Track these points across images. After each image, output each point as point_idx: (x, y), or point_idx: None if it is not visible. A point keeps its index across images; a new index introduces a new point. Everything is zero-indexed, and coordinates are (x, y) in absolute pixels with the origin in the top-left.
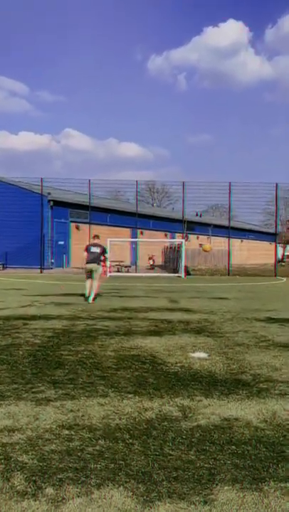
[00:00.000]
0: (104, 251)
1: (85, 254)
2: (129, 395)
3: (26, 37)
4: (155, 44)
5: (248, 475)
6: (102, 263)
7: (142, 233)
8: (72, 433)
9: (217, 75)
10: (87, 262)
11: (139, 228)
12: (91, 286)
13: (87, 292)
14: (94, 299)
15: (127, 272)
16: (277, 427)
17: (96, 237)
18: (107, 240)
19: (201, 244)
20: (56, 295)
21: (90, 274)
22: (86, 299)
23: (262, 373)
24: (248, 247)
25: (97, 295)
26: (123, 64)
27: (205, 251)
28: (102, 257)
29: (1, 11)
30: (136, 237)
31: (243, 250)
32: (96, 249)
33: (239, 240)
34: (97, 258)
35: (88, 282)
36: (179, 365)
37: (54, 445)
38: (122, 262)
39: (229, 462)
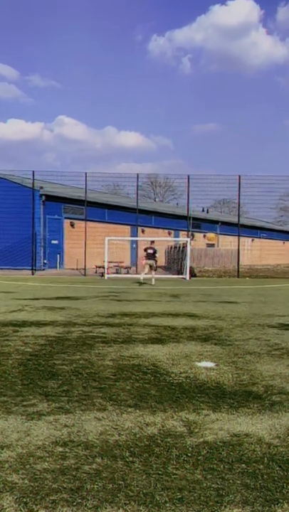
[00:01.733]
0: (155, 251)
1: (145, 253)
2: (129, 409)
3: (14, 15)
4: (157, 23)
5: (259, 496)
6: (155, 259)
7: (143, 231)
8: (67, 450)
9: (225, 57)
10: (147, 259)
11: (140, 226)
12: (152, 275)
13: (142, 278)
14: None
15: (127, 273)
16: None
17: (152, 242)
18: (104, 239)
19: (204, 235)
20: (49, 299)
21: (149, 266)
22: (141, 283)
23: (275, 385)
24: (259, 246)
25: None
26: (121, 45)
27: (209, 241)
28: (156, 256)
29: None
30: (136, 236)
31: (254, 250)
32: (151, 251)
33: (250, 239)
34: (152, 256)
35: (147, 271)
36: (183, 375)
37: (47, 463)
38: (121, 262)
39: (239, 482)
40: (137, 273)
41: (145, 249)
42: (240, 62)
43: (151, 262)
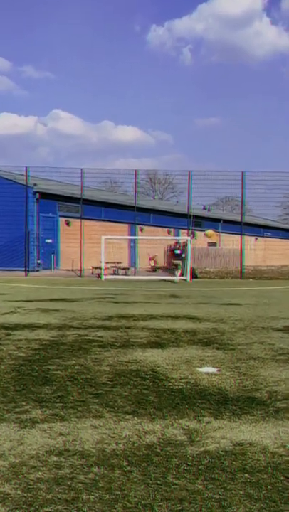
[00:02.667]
0: (182, 252)
1: (172, 253)
2: (127, 416)
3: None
4: (156, 13)
5: (263, 507)
6: (182, 259)
7: (141, 230)
8: (62, 459)
9: (227, 47)
10: (174, 259)
11: (139, 224)
12: (179, 273)
13: (177, 279)
14: (181, 274)
15: (125, 274)
16: None
17: (177, 243)
18: (101, 238)
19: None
20: (43, 301)
21: (176, 266)
22: (173, 281)
23: (280, 391)
24: (263, 245)
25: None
26: (119, 36)
27: (209, 238)
28: (182, 256)
29: None
30: (135, 235)
31: (257, 250)
32: (178, 251)
33: (253, 238)
34: (180, 256)
35: (177, 271)
36: (184, 381)
37: (41, 473)
38: (118, 263)
39: (242, 492)
40: (135, 274)
41: (172, 250)
42: (243, 52)
43: (178, 262)
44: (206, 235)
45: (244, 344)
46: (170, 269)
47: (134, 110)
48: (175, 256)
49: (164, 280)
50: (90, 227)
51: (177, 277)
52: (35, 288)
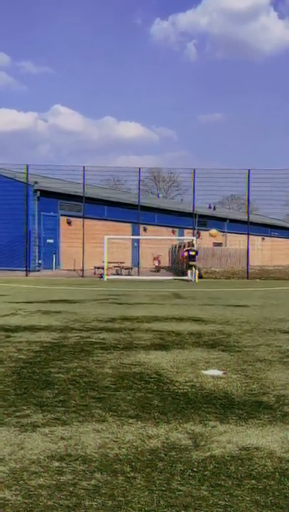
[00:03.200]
0: (197, 253)
1: (186, 254)
2: (131, 420)
3: None
4: (159, 6)
5: None
6: (195, 259)
7: (145, 229)
8: (64, 465)
9: (233, 42)
10: (190, 260)
11: (142, 223)
12: (193, 274)
13: (191, 277)
14: (200, 277)
15: (128, 274)
16: None
17: (192, 245)
18: (104, 238)
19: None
20: (44, 302)
21: (191, 268)
22: (188, 281)
23: (287, 394)
24: (270, 245)
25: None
26: (121, 30)
27: (213, 237)
28: (196, 256)
29: None
30: (138, 234)
31: (264, 249)
32: (192, 253)
33: (260, 238)
34: (194, 257)
35: (190, 272)
36: (188, 384)
37: (42, 479)
38: (121, 263)
39: (248, 499)
40: (138, 274)
41: (187, 251)
42: (249, 48)
43: (194, 263)
44: (210, 234)
45: (251, 346)
46: (175, 270)
47: (136, 106)
48: (190, 257)
49: (178, 280)
50: (92, 226)
51: (195, 279)
52: (36, 289)
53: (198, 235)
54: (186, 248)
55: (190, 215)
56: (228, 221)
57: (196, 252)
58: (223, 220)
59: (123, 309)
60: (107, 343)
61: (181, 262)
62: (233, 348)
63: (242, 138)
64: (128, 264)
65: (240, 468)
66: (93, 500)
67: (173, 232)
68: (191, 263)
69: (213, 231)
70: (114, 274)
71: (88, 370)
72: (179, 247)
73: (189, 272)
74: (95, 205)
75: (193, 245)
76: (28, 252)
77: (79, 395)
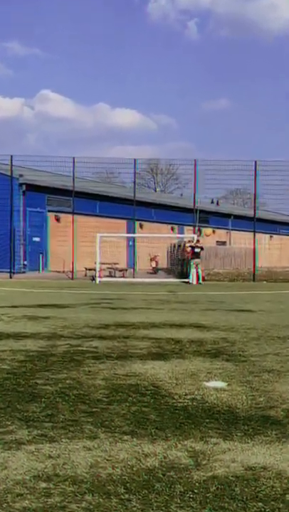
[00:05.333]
0: (202, 249)
1: (191, 251)
2: (125, 437)
3: None
4: None
5: None
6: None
7: (141, 226)
8: (51, 486)
9: (238, 21)
10: (192, 258)
11: (138, 220)
12: (198, 274)
13: (192, 279)
14: (203, 279)
15: (123, 276)
16: None
17: (198, 241)
18: (96, 236)
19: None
20: (30, 306)
21: (196, 266)
22: (189, 284)
23: None
24: (279, 244)
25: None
26: (116, 8)
27: (206, 236)
28: (201, 252)
29: None
30: (133, 232)
31: (272, 249)
32: (198, 250)
33: (268, 236)
34: (199, 254)
35: (194, 271)
36: (189, 397)
37: (27, 501)
38: (115, 264)
39: None
40: (134, 276)
41: (192, 247)
42: (256, 27)
43: (199, 260)
44: (205, 234)
45: (257, 355)
46: (175, 271)
47: (133, 91)
48: (195, 254)
49: (178, 282)
50: (83, 223)
51: (199, 280)
52: (22, 292)
53: (200, 233)
54: (190, 244)
55: (191, 210)
56: (232, 217)
57: (202, 249)
58: (228, 216)
59: (117, 315)
60: (99, 351)
61: (181, 260)
62: (237, 357)
63: (249, 126)
64: (123, 265)
65: (245, 489)
66: None
67: (172, 229)
68: (195, 260)
69: (208, 230)
70: (107, 276)
71: (78, 382)
72: (179, 246)
73: (192, 271)
74: (87, 200)
75: (198, 241)
76: (12, 252)
77: (68, 409)
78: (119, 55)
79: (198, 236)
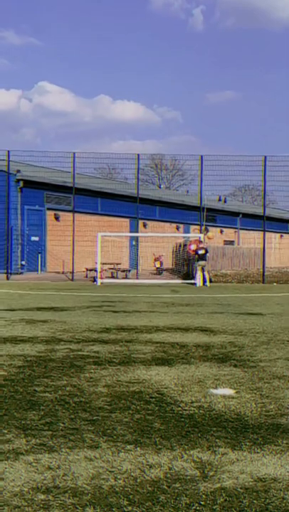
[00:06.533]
0: (206, 251)
1: (195, 255)
2: (128, 447)
3: None
4: None
5: None
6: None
7: (144, 225)
8: (50, 498)
9: (245, 9)
10: (198, 260)
11: (141, 218)
12: (204, 276)
13: (198, 282)
14: (210, 281)
15: (125, 278)
16: None
17: (200, 242)
18: (97, 235)
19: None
20: (28, 309)
21: (201, 268)
22: (195, 285)
23: None
24: None
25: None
26: None
27: (209, 239)
28: (206, 255)
29: None
30: (137, 231)
31: (283, 248)
32: (202, 251)
33: (278, 235)
34: (204, 256)
35: (199, 274)
36: (195, 405)
37: None
38: (117, 264)
39: None
40: (137, 277)
41: (195, 250)
42: (265, 15)
43: (204, 263)
44: (208, 237)
45: (267, 361)
46: (180, 272)
47: (135, 82)
48: (199, 257)
49: (184, 284)
50: (83, 222)
51: (206, 283)
52: (19, 294)
53: (206, 232)
54: (192, 248)
55: (197, 208)
56: (240, 216)
57: (206, 251)
58: (235, 214)
59: (119, 318)
60: (100, 357)
61: (187, 260)
62: (246, 362)
63: (257, 120)
64: (125, 265)
65: (254, 501)
66: None
67: (177, 228)
68: (200, 263)
69: (209, 233)
70: (108, 278)
71: (79, 389)
72: (184, 245)
73: (197, 274)
74: (87, 197)
75: (200, 242)
76: (9, 252)
77: (68, 418)
78: (121, 44)
79: (205, 234)
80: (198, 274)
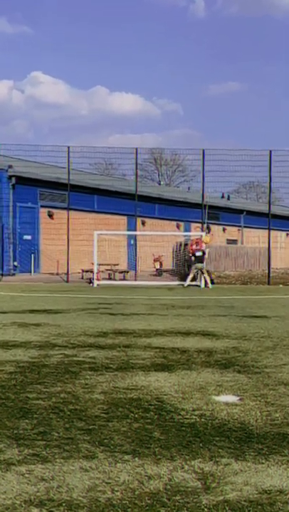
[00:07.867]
0: (204, 253)
1: (193, 258)
2: (126, 457)
3: None
4: None
5: None
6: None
7: (143, 223)
8: (44, 511)
9: None
10: (196, 263)
11: (140, 216)
12: (205, 279)
13: (202, 284)
14: (212, 282)
15: (123, 279)
16: None
17: (197, 243)
18: (93, 234)
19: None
20: (20, 312)
21: (200, 271)
22: (197, 287)
23: None
24: None
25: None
26: None
27: (206, 243)
28: (204, 257)
29: None
30: (135, 229)
31: None
32: (199, 253)
33: (284, 233)
34: (202, 258)
35: (192, 276)
36: (197, 413)
37: None
38: (115, 265)
39: None
40: (135, 278)
41: (192, 252)
42: (269, 3)
43: (201, 265)
44: (205, 242)
45: (272, 366)
46: (180, 273)
47: (134, 73)
48: (197, 259)
49: (184, 285)
50: (79, 220)
51: (208, 285)
52: (11, 296)
53: (209, 230)
54: (194, 248)
55: (199, 206)
56: (244, 213)
57: (204, 253)
58: (239, 212)
59: (117, 321)
60: (97, 362)
61: (187, 260)
62: (250, 368)
63: (262, 112)
64: (123, 266)
65: None
66: None
67: (178, 226)
68: (197, 265)
69: (207, 238)
70: (106, 279)
71: (74, 396)
72: (186, 245)
73: (193, 275)
74: (83, 194)
75: (198, 243)
76: (0, 252)
77: (63, 426)
78: (118, 33)
79: (206, 233)
80: (197, 276)
